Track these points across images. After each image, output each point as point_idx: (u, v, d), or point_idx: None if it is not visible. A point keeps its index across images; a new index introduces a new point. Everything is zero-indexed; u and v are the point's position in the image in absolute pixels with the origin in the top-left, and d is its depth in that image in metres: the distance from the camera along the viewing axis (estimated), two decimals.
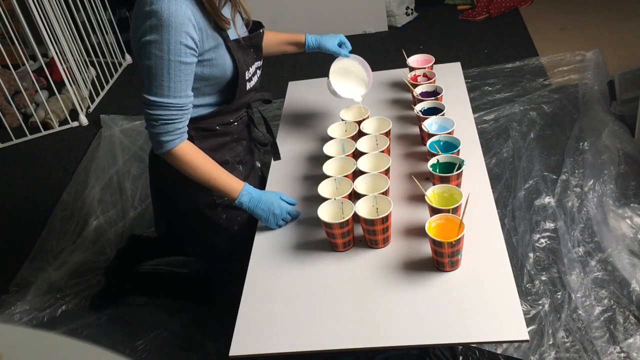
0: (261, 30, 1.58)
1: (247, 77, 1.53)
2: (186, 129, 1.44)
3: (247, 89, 1.56)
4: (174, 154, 1.43)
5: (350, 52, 1.83)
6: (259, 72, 1.62)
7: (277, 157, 1.76)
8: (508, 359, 1.73)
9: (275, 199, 1.51)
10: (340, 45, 1.81)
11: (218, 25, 1.42)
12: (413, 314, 1.22)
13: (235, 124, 1.62)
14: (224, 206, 1.61)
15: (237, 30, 1.47)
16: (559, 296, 1.93)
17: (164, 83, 1.35)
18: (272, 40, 1.78)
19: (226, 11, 1.45)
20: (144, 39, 1.34)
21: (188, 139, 1.48)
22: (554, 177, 2.40)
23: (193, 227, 1.68)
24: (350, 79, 1.82)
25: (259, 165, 1.84)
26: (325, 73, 1.80)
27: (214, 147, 1.57)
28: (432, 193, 1.39)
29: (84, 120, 3.49)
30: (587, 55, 3.12)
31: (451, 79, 1.96)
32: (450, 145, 1.53)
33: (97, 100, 3.70)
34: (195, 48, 1.37)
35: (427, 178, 1.56)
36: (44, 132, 3.46)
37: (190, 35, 1.35)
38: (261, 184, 1.74)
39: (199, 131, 1.53)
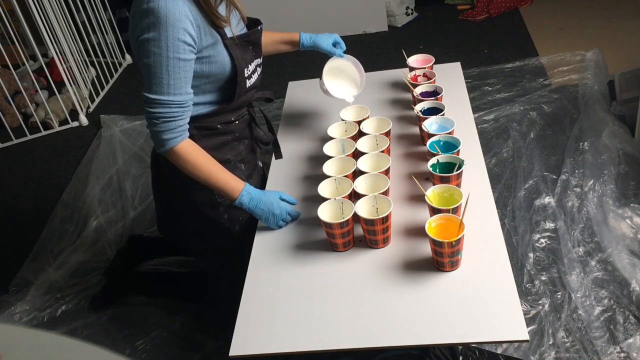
0: (259, 28, 1.58)
1: (246, 75, 1.53)
2: (187, 126, 1.44)
3: (247, 86, 1.56)
4: (175, 152, 1.43)
5: (345, 52, 1.83)
6: (259, 69, 1.62)
7: (279, 155, 1.76)
8: (508, 359, 1.73)
9: (275, 199, 1.51)
10: (334, 45, 1.82)
11: (215, 23, 1.42)
12: (413, 314, 1.22)
13: (237, 122, 1.61)
14: (226, 206, 1.61)
15: (232, 29, 1.47)
16: (559, 296, 1.93)
17: (164, 80, 1.35)
18: (267, 39, 1.78)
19: (222, 9, 1.45)
20: (142, 37, 1.34)
21: (190, 137, 1.48)
22: (554, 177, 2.40)
23: (194, 227, 1.68)
24: (343, 79, 1.83)
25: (261, 165, 1.84)
26: None
27: (215, 145, 1.57)
28: (432, 193, 1.39)
29: (84, 120, 3.49)
30: (587, 55, 3.12)
31: (451, 79, 1.96)
32: (450, 145, 1.53)
33: (97, 100, 3.70)
34: (193, 45, 1.37)
35: (427, 178, 1.56)
36: (44, 132, 3.47)
37: (188, 31, 1.35)
38: (263, 183, 1.74)
39: (200, 130, 1.53)
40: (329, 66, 1.79)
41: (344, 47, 1.83)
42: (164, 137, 1.40)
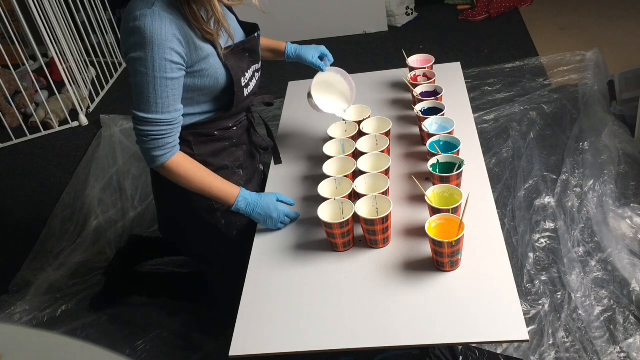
0: (256, 35, 1.57)
1: (243, 84, 1.52)
2: (177, 142, 1.44)
3: (245, 95, 1.54)
4: (166, 167, 1.43)
5: (332, 64, 1.76)
6: (257, 75, 1.60)
7: (278, 161, 1.75)
8: (508, 359, 1.73)
9: (272, 202, 1.50)
10: (322, 57, 1.75)
11: (205, 37, 1.40)
12: (413, 314, 1.22)
13: (235, 128, 1.60)
14: (223, 211, 1.60)
15: (219, 46, 1.42)
16: (559, 296, 1.93)
17: (151, 99, 1.34)
18: None
19: (212, 24, 1.41)
20: (129, 56, 1.34)
21: (186, 144, 1.48)
22: (554, 177, 2.40)
23: (193, 232, 1.68)
24: (332, 93, 1.75)
25: (262, 168, 1.83)
26: None
27: (212, 152, 1.57)
28: (432, 193, 1.39)
29: (84, 120, 3.49)
30: (587, 55, 3.12)
31: (451, 79, 1.96)
32: (450, 145, 1.53)
33: (97, 100, 3.71)
34: (181, 63, 1.36)
35: (427, 178, 1.56)
36: (44, 132, 3.47)
37: (176, 50, 1.33)
38: (264, 186, 1.73)
39: (197, 136, 1.52)
40: (318, 79, 1.72)
41: (332, 60, 1.77)
42: (154, 154, 1.40)
